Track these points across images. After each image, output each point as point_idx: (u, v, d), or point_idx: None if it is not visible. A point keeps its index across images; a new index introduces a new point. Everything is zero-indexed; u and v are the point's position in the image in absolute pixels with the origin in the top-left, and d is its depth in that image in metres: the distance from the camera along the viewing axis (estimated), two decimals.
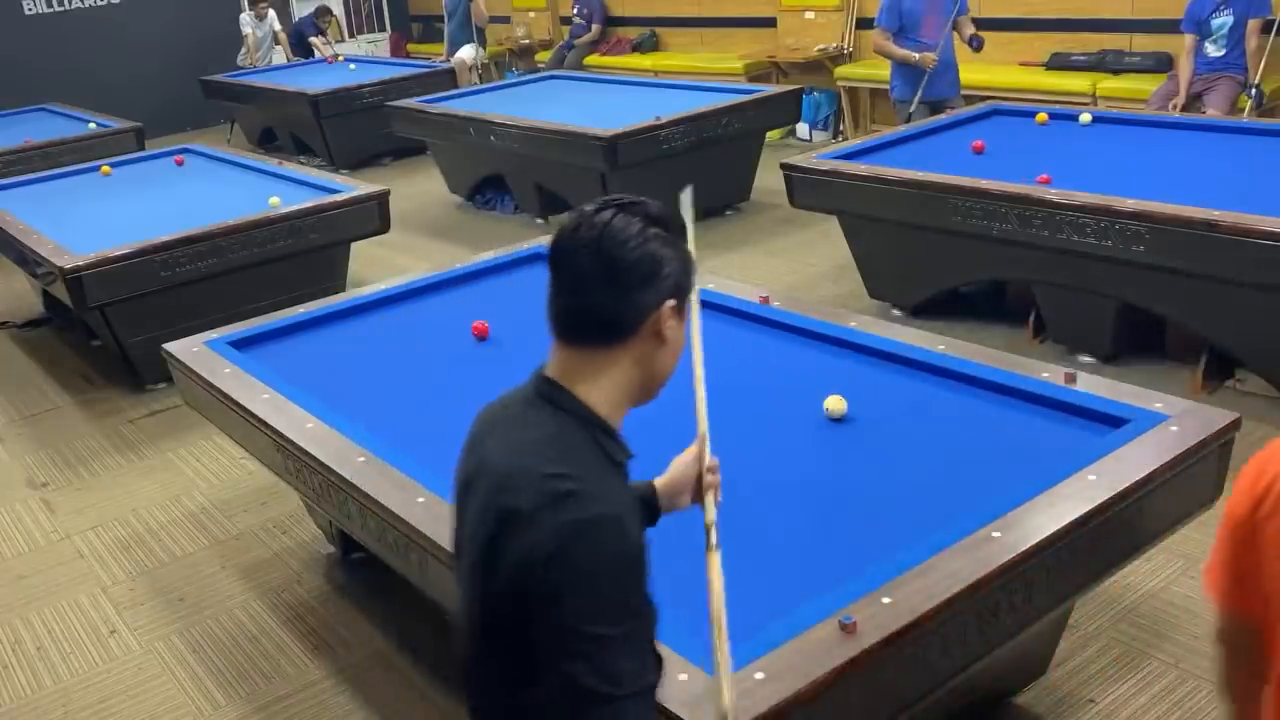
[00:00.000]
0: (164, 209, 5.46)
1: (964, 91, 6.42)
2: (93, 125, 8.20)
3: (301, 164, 7.49)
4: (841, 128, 8.75)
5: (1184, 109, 6.01)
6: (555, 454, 1.33)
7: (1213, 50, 6.01)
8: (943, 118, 5.70)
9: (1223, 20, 5.96)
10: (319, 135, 9.13)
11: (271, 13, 11.29)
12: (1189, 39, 6.08)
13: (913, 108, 6.16)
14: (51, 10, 11.51)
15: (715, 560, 1.42)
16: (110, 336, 4.94)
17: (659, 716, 1.71)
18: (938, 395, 2.73)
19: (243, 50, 11.35)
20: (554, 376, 1.41)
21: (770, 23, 9.26)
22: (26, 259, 5.14)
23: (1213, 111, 5.87)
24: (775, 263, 6.03)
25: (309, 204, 5.19)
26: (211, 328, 3.61)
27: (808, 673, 1.73)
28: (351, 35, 13.25)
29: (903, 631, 1.80)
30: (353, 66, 10.32)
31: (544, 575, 1.26)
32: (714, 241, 6.49)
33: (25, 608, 3.57)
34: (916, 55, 6.08)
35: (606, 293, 1.34)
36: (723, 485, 1.70)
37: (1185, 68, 6.11)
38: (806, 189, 4.99)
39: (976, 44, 6.23)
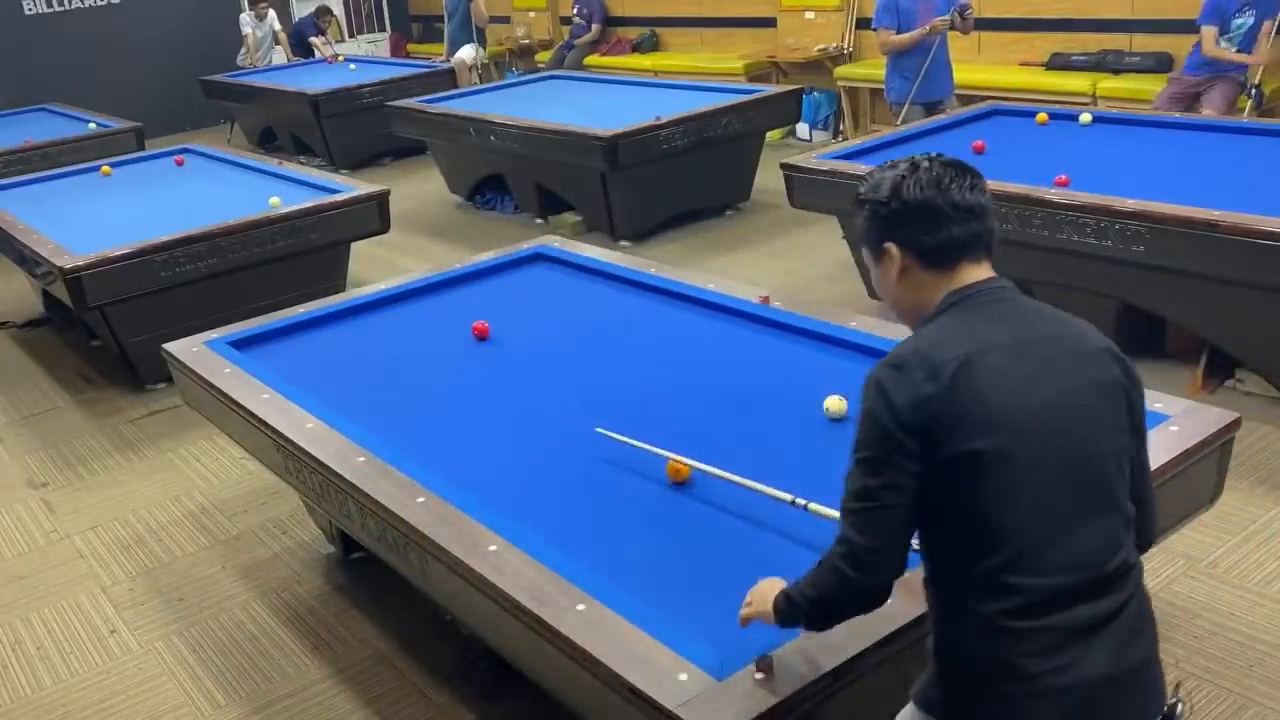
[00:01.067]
0: (164, 209, 5.46)
1: (965, 91, 6.42)
2: (93, 125, 8.20)
3: (301, 164, 7.49)
4: (841, 128, 8.75)
5: (1187, 109, 6.01)
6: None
7: (1225, 48, 5.98)
8: (942, 118, 5.70)
9: (1243, 20, 5.92)
10: (319, 135, 9.13)
11: (271, 13, 11.30)
12: (1210, 30, 5.94)
13: (905, 108, 6.16)
14: (51, 10, 11.51)
15: None
16: (110, 336, 4.94)
17: (660, 716, 1.71)
18: None
19: (243, 50, 11.36)
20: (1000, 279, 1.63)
21: (770, 23, 9.26)
22: (26, 259, 5.14)
23: (1209, 111, 5.87)
24: (775, 263, 6.04)
25: (309, 204, 5.19)
26: (211, 328, 3.61)
27: (808, 673, 1.72)
28: (351, 35, 13.25)
29: (905, 629, 1.80)
30: (353, 66, 10.31)
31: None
32: (714, 241, 6.50)
33: (25, 608, 3.58)
34: (927, 27, 6.00)
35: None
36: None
37: (1220, 51, 5.95)
38: (806, 189, 4.99)
39: (964, 8, 6.03)
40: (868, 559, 1.51)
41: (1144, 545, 1.66)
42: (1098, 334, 1.62)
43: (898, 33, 6.10)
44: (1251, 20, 5.89)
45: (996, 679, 1.50)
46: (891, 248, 1.61)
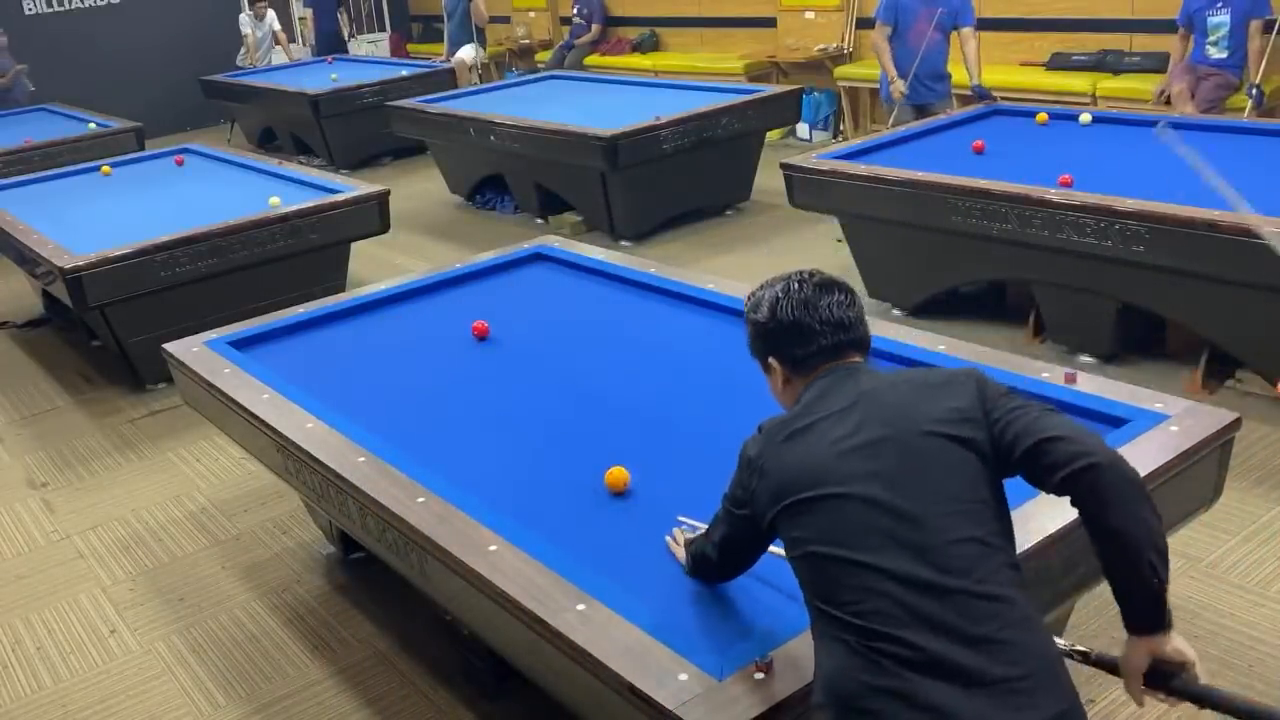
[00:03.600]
0: (164, 209, 5.47)
1: (965, 92, 6.40)
2: (93, 125, 8.20)
3: (301, 164, 7.49)
4: (841, 128, 8.75)
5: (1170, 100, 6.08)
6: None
7: (1215, 53, 6.03)
8: (942, 118, 5.70)
9: (1219, 20, 5.96)
10: (319, 135, 9.14)
11: (271, 13, 11.33)
12: (1181, 32, 6.17)
13: (895, 109, 6.16)
14: (51, 10, 11.51)
15: None
16: (110, 336, 4.94)
17: (660, 716, 1.71)
18: None
19: (242, 50, 11.37)
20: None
21: (770, 23, 9.27)
22: (26, 259, 5.14)
23: (1190, 107, 5.89)
24: (775, 263, 6.03)
25: (309, 204, 5.19)
26: (211, 328, 3.61)
27: (808, 673, 1.72)
28: (351, 35, 13.25)
29: None
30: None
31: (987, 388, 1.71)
32: (714, 241, 6.50)
33: (25, 608, 3.58)
34: (894, 75, 6.09)
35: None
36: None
37: (1173, 63, 6.23)
38: (806, 189, 4.99)
39: (983, 95, 6.02)
40: (722, 567, 1.93)
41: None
42: (947, 384, 1.70)
43: (894, 31, 6.09)
44: (1228, 20, 5.92)
45: (858, 700, 1.54)
46: (773, 361, 1.86)
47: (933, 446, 1.62)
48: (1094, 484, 1.55)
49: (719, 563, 1.90)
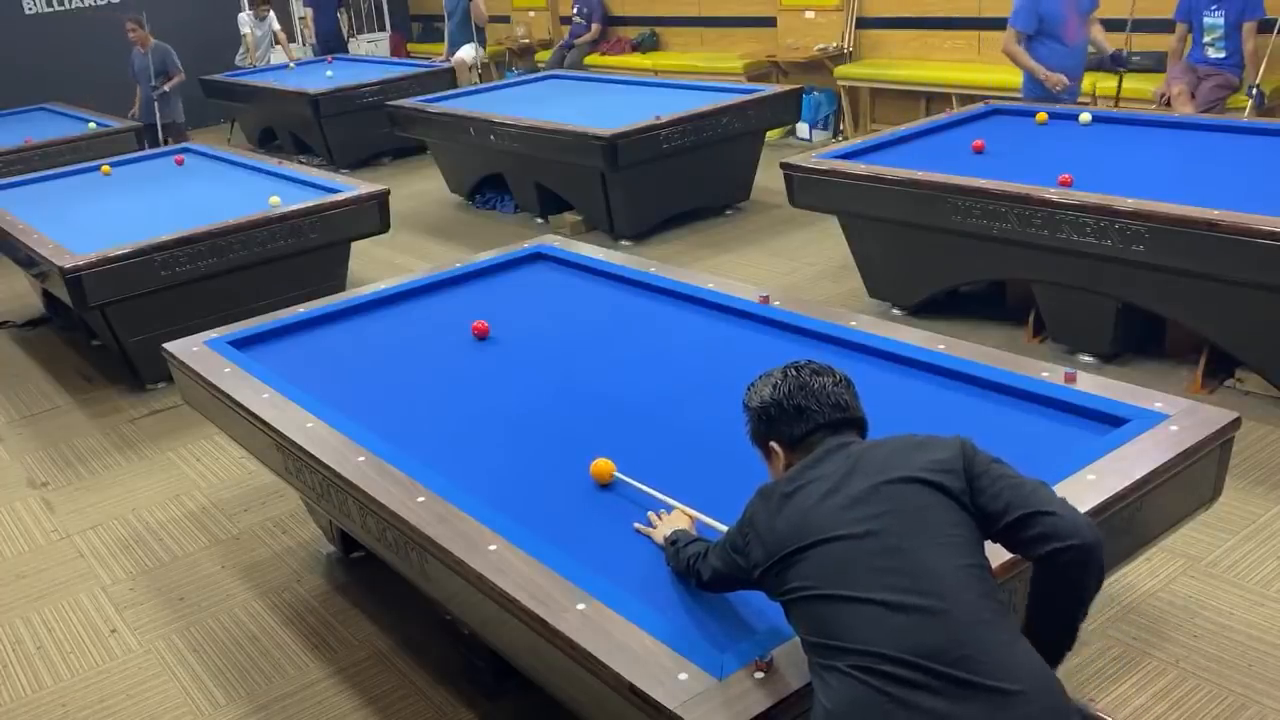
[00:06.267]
0: (164, 209, 5.47)
1: (965, 91, 6.41)
2: (93, 125, 8.20)
3: (301, 164, 7.48)
4: (841, 127, 8.75)
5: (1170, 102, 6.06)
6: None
7: (1213, 53, 6.03)
8: (941, 118, 5.69)
9: (1214, 20, 5.95)
10: (319, 135, 9.14)
11: (271, 13, 11.33)
12: (1180, 28, 6.15)
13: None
14: (51, 10, 11.51)
15: None
16: (110, 336, 4.94)
17: (659, 716, 1.71)
18: (938, 395, 2.73)
19: (242, 50, 11.37)
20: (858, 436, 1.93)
21: (770, 22, 9.27)
22: (27, 259, 5.14)
23: (1189, 108, 5.89)
24: (775, 263, 6.04)
25: (309, 204, 5.19)
26: (211, 328, 3.61)
27: (808, 673, 1.72)
28: (351, 35, 13.25)
29: None
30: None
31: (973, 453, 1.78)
32: (714, 241, 6.50)
33: (25, 607, 3.58)
34: (1044, 72, 5.69)
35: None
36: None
37: (1170, 61, 6.21)
38: (806, 189, 4.99)
39: (1120, 60, 5.91)
40: (709, 587, 1.97)
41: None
42: (931, 443, 1.78)
43: (1034, 36, 5.71)
44: (1223, 21, 5.92)
45: None
46: (774, 445, 1.91)
47: (910, 490, 1.70)
48: (1074, 562, 1.66)
49: (707, 582, 1.96)
